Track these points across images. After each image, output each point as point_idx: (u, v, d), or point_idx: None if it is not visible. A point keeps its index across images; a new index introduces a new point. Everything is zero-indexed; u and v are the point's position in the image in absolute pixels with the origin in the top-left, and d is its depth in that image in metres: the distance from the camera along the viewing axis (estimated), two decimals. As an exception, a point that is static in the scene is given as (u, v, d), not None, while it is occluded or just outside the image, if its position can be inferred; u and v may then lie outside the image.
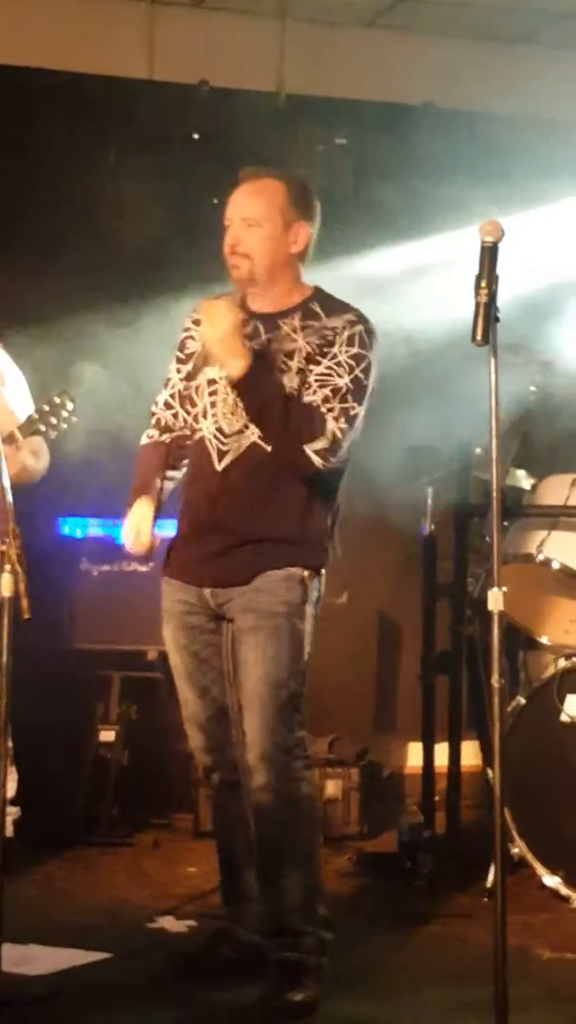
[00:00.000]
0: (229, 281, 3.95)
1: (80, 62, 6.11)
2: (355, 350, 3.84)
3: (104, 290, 5.83)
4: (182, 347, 4.06)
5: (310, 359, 3.83)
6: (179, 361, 4.06)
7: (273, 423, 3.77)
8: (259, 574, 3.83)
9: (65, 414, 4.82)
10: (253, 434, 3.84)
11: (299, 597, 3.85)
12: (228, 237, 3.91)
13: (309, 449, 3.74)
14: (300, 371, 3.83)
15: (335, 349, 3.83)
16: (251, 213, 3.88)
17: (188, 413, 4.00)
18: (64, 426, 4.83)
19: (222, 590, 3.89)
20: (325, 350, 3.83)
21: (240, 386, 3.76)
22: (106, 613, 5.58)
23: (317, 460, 3.75)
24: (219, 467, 3.87)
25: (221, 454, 3.88)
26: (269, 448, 3.81)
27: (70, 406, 4.82)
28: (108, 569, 5.65)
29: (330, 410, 3.77)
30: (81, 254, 5.96)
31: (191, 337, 4.04)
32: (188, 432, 4.02)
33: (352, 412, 3.80)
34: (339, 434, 3.76)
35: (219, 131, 6.13)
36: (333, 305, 3.93)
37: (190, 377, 3.99)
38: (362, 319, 3.90)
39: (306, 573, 3.86)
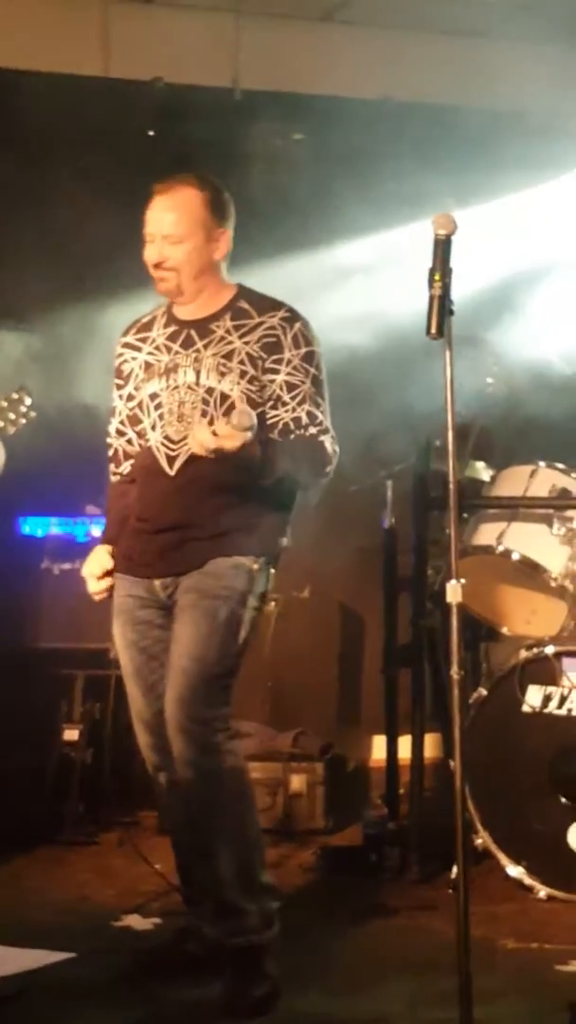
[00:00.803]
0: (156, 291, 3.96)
1: (34, 60, 6.10)
2: (304, 349, 3.90)
3: (59, 286, 5.82)
4: (119, 373, 4.09)
5: (254, 362, 3.88)
6: (119, 387, 4.09)
7: (298, 474, 3.87)
8: (210, 560, 3.86)
9: (23, 409, 4.81)
10: None
11: (244, 585, 3.87)
12: (151, 252, 3.93)
13: (323, 480, 3.91)
14: (243, 373, 3.88)
15: (285, 354, 3.88)
16: (172, 230, 3.91)
17: (137, 432, 4.02)
18: (22, 421, 4.82)
19: (172, 579, 3.90)
20: (273, 355, 3.87)
21: (252, 466, 3.77)
22: (68, 612, 5.56)
23: (325, 481, 3.91)
24: (172, 471, 3.90)
25: (171, 459, 3.91)
26: None
27: (28, 401, 4.81)
28: (69, 567, 5.63)
29: (320, 428, 3.88)
30: (36, 251, 5.94)
31: (125, 360, 4.07)
32: (131, 467, 4.07)
33: (325, 412, 3.92)
34: (336, 448, 3.91)
35: (175, 127, 6.13)
36: (262, 303, 3.97)
37: (131, 398, 4.02)
38: (295, 314, 3.95)
39: (255, 565, 3.89)
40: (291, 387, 3.88)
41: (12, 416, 4.80)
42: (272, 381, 3.87)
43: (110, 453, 4.14)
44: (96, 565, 4.05)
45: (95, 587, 4.05)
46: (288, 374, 3.88)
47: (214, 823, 3.83)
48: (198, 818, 3.85)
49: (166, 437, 3.91)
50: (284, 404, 3.88)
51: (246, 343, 3.89)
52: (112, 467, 4.15)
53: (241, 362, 3.88)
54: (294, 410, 3.87)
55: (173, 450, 3.90)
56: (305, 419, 3.87)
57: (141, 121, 6.22)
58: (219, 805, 3.82)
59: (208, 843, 3.84)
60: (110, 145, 6.06)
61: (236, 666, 3.87)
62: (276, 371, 3.88)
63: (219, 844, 3.82)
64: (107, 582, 4.02)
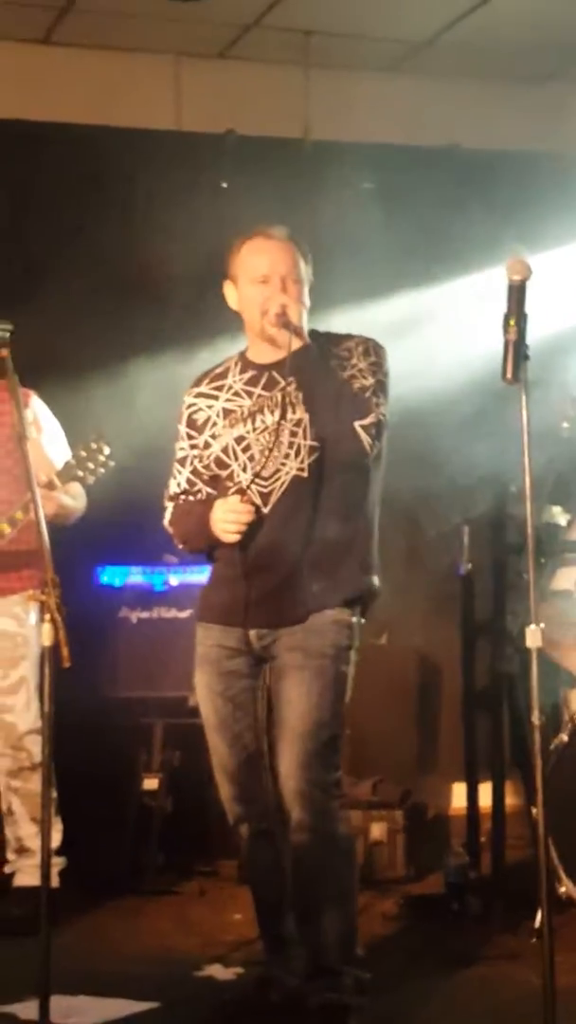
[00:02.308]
0: (251, 332, 3.99)
1: (108, 115, 6.20)
2: (372, 359, 3.94)
3: (136, 338, 5.88)
4: (191, 423, 4.10)
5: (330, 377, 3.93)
6: (191, 437, 4.10)
7: (331, 400, 3.86)
8: (310, 614, 3.87)
9: (102, 459, 4.86)
10: (292, 468, 3.90)
11: (346, 641, 3.90)
12: (270, 295, 3.93)
13: (358, 425, 3.83)
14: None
15: (353, 360, 3.93)
16: (292, 270, 3.96)
17: (214, 481, 4.04)
18: (101, 471, 4.86)
19: (269, 631, 3.91)
20: (344, 364, 3.92)
21: (299, 367, 3.85)
22: (146, 660, 5.60)
23: (365, 437, 3.84)
24: (266, 508, 3.91)
25: (265, 496, 3.92)
26: (306, 475, 3.89)
27: (107, 451, 4.86)
28: (147, 616, 5.67)
29: (368, 399, 3.87)
30: (113, 304, 6.03)
31: (199, 410, 4.09)
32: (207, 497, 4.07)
33: (385, 407, 3.91)
34: (382, 416, 3.88)
35: (247, 179, 6.19)
36: (337, 337, 4.03)
37: (207, 446, 4.05)
38: (367, 338, 4.02)
39: (353, 619, 3.92)
40: (351, 379, 3.88)
41: (91, 465, 4.84)
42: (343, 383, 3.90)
43: (177, 501, 4.12)
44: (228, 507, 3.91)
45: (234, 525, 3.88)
46: (350, 375, 3.89)
47: (323, 888, 3.86)
48: (308, 882, 3.87)
49: (256, 475, 3.93)
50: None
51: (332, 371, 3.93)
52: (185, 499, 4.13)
53: (346, 383, 3.90)
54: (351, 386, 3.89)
55: (266, 487, 3.91)
56: (356, 389, 3.87)
57: (213, 173, 6.29)
58: (330, 871, 3.86)
59: (315, 907, 3.86)
60: (184, 198, 6.13)
61: (343, 725, 3.90)
62: (345, 376, 3.91)
63: (325, 909, 3.85)
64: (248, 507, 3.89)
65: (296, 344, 3.87)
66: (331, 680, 3.85)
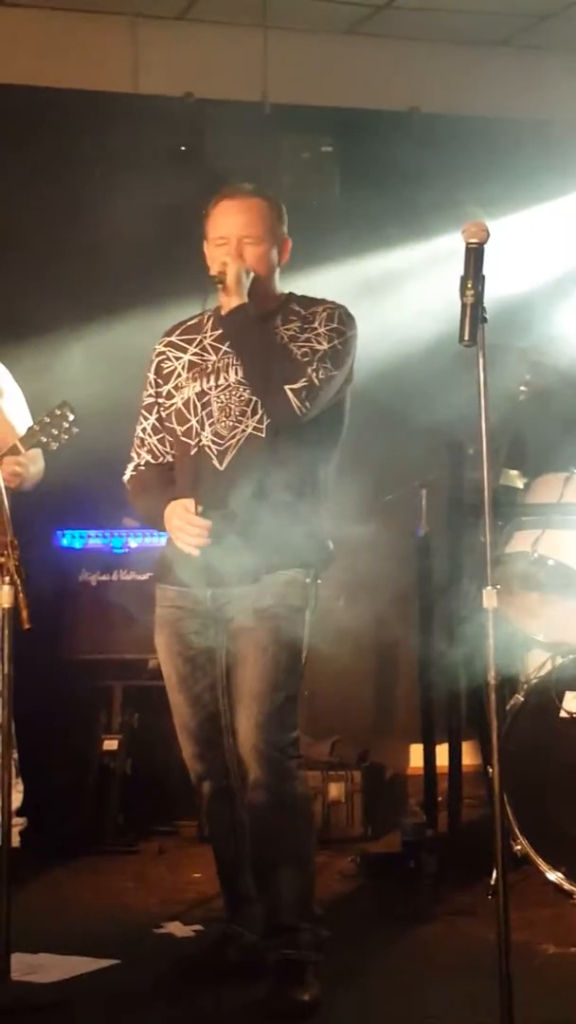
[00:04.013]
0: (216, 293, 4.01)
1: (65, 77, 6.15)
2: (334, 325, 3.97)
3: (95, 302, 5.87)
4: (158, 370, 4.13)
5: (292, 339, 3.96)
6: (157, 384, 4.13)
7: (259, 363, 3.89)
8: (264, 574, 3.90)
9: (66, 425, 4.85)
10: (249, 427, 3.94)
11: (300, 601, 3.93)
12: (224, 254, 3.96)
13: (288, 389, 3.84)
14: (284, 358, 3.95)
15: (314, 324, 3.97)
16: (251, 231, 3.98)
17: (175, 433, 4.06)
18: (65, 437, 4.86)
19: (224, 590, 3.93)
20: (305, 327, 3.96)
21: (230, 325, 3.90)
22: (106, 623, 5.61)
23: (295, 401, 3.85)
24: (221, 467, 3.93)
25: (221, 454, 3.95)
26: (263, 435, 3.92)
27: (71, 417, 4.85)
28: (106, 579, 5.68)
29: (309, 363, 3.89)
30: (71, 268, 6.00)
31: (166, 359, 4.12)
32: (172, 457, 4.09)
33: (330, 372, 3.91)
34: (316, 382, 3.87)
35: (205, 142, 6.17)
36: (309, 301, 4.07)
37: (170, 396, 4.07)
38: (338, 305, 4.04)
39: (308, 579, 3.95)
40: (304, 345, 3.92)
41: (55, 432, 4.84)
42: (299, 348, 3.93)
43: (142, 451, 4.15)
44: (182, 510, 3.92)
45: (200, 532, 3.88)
46: (307, 338, 3.93)
47: (280, 847, 3.91)
48: (265, 841, 3.92)
49: (215, 434, 3.96)
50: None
51: (288, 330, 3.97)
52: (148, 459, 4.14)
53: (283, 347, 3.94)
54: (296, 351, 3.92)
55: (222, 445, 3.94)
56: (299, 355, 3.89)
57: (172, 137, 6.27)
58: (287, 830, 3.91)
59: (273, 865, 3.91)
60: (142, 161, 6.11)
61: (301, 685, 3.94)
62: (298, 339, 3.94)
63: (282, 867, 3.90)
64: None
65: (233, 303, 3.91)
66: (285, 640, 3.89)
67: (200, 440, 3.98)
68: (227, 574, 3.92)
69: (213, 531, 3.87)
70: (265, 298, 4.01)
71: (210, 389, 4.00)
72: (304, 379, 3.86)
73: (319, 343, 3.93)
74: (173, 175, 6.02)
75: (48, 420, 4.85)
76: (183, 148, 6.25)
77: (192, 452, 4.00)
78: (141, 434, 4.16)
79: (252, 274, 3.96)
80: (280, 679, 3.87)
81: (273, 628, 3.88)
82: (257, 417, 3.94)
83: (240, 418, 3.95)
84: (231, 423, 3.95)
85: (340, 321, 3.99)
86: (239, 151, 6.02)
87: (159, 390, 4.12)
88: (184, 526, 3.88)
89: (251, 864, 3.98)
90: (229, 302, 3.94)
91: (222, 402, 3.97)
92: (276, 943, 3.89)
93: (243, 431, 3.94)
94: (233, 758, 3.99)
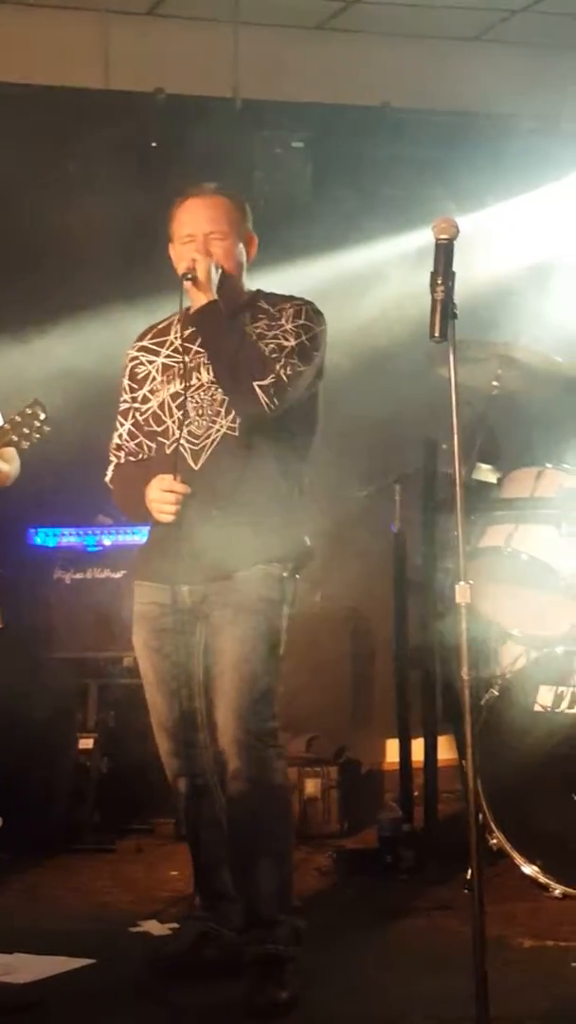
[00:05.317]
0: (185, 291, 4.01)
1: (34, 73, 6.13)
2: (301, 321, 3.99)
3: (66, 300, 5.85)
4: (132, 375, 4.15)
5: (260, 337, 3.97)
6: (132, 390, 4.14)
7: (227, 358, 3.91)
8: (239, 569, 3.91)
9: (38, 424, 4.83)
10: (223, 426, 3.95)
11: (276, 595, 3.95)
12: (192, 250, 3.97)
13: (256, 385, 3.86)
14: None
15: (282, 321, 3.98)
16: (217, 227, 4.00)
17: (153, 435, 4.07)
18: (36, 436, 4.84)
19: (200, 586, 3.94)
20: (273, 324, 3.98)
21: (200, 323, 3.92)
22: (80, 621, 5.60)
23: (263, 397, 3.86)
24: (196, 466, 3.95)
25: (196, 454, 3.97)
26: (237, 433, 3.94)
27: (43, 416, 4.83)
28: (81, 577, 5.67)
29: (277, 360, 3.91)
30: (42, 265, 5.98)
31: (140, 364, 4.14)
32: (147, 458, 4.10)
33: (297, 368, 3.93)
34: (284, 378, 3.89)
35: (177, 138, 6.16)
36: (277, 298, 4.08)
37: (146, 400, 4.08)
38: (306, 301, 4.07)
39: (285, 573, 3.97)
40: (272, 342, 3.94)
41: (26, 431, 4.81)
42: (267, 345, 3.94)
43: (120, 455, 4.16)
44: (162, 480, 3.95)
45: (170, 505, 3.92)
46: (274, 335, 3.95)
47: (259, 837, 3.92)
48: (243, 831, 3.93)
49: (190, 434, 3.98)
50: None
51: (256, 327, 3.99)
52: (129, 459, 4.15)
53: (252, 344, 3.94)
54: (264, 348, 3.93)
55: (196, 444, 3.96)
56: (267, 352, 3.91)
57: (143, 133, 6.25)
58: (266, 820, 3.92)
59: (251, 856, 3.92)
60: (112, 157, 6.08)
61: (279, 677, 3.96)
62: (266, 336, 3.96)
63: (260, 858, 3.91)
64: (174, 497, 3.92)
65: (201, 300, 3.92)
66: (262, 632, 3.91)
67: (175, 441, 3.99)
68: (204, 570, 3.92)
69: (191, 529, 3.87)
70: (233, 295, 4.02)
71: (184, 390, 4.01)
72: (272, 375, 3.87)
73: (287, 339, 3.94)
74: (144, 171, 6.01)
75: (19, 419, 4.83)
76: (154, 144, 6.23)
77: (168, 453, 4.01)
78: (118, 439, 4.18)
79: (220, 270, 3.96)
80: (258, 670, 3.89)
81: (249, 621, 3.90)
82: (231, 416, 3.96)
83: (214, 418, 3.97)
84: (206, 423, 3.97)
85: (307, 317, 4.00)
86: (210, 147, 6.01)
87: (134, 395, 4.14)
88: (163, 495, 3.90)
89: (230, 855, 3.98)
90: (199, 298, 3.95)
91: (196, 402, 3.99)
92: (254, 936, 3.89)
93: (217, 431, 3.96)
94: (209, 755, 4.00)
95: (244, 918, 3.94)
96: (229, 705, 3.88)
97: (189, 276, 3.94)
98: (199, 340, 4.01)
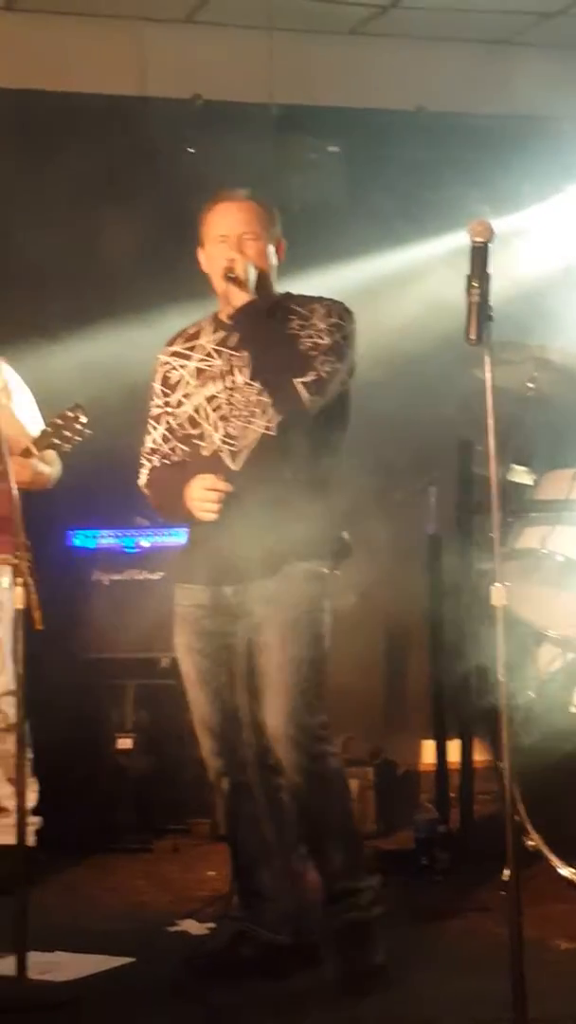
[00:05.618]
0: (218, 293, 4.04)
1: (72, 81, 6.18)
2: (334, 320, 4.03)
3: (104, 304, 5.90)
4: (165, 380, 4.18)
5: (294, 337, 4.01)
6: (165, 394, 4.17)
7: (269, 357, 3.96)
8: (281, 567, 3.95)
9: (78, 427, 4.88)
10: (260, 427, 3.99)
11: (319, 590, 4.00)
12: (226, 251, 4.01)
13: (298, 382, 3.90)
14: None
15: (314, 321, 4.03)
16: (249, 228, 4.05)
17: (189, 439, 4.10)
18: (77, 439, 4.89)
19: (243, 586, 3.98)
20: (305, 324, 4.02)
21: (242, 321, 3.96)
22: (119, 622, 5.64)
23: (304, 393, 3.91)
24: (236, 466, 3.99)
25: (234, 455, 4.01)
26: (275, 433, 3.97)
27: (83, 419, 4.89)
28: (119, 578, 5.72)
29: (315, 358, 3.96)
30: (80, 270, 6.02)
31: (172, 369, 4.17)
32: (181, 461, 4.14)
33: (335, 365, 3.98)
34: (323, 375, 3.94)
35: (213, 144, 6.19)
36: (306, 299, 4.12)
37: (180, 404, 4.12)
38: (336, 301, 4.11)
39: (325, 569, 4.01)
40: (305, 340, 3.98)
41: (67, 433, 4.86)
42: (302, 344, 3.99)
43: (153, 457, 4.19)
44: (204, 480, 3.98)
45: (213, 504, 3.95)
46: (307, 335, 4.00)
47: (323, 820, 4.01)
48: (310, 820, 4.01)
49: (227, 435, 4.01)
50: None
51: (289, 329, 4.02)
52: (164, 462, 4.18)
53: (290, 342, 3.99)
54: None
55: (235, 445, 4.00)
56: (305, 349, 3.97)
57: (179, 139, 6.29)
58: (328, 804, 4.01)
59: (319, 839, 4.01)
60: (150, 163, 6.13)
61: (326, 671, 4.02)
62: (303, 335, 4.00)
63: (329, 840, 4.00)
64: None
65: (243, 299, 3.95)
66: (307, 627, 3.95)
67: (213, 443, 4.03)
68: (246, 570, 3.96)
69: (232, 529, 3.90)
70: (265, 296, 4.05)
71: (219, 392, 4.05)
72: (312, 372, 3.92)
73: (321, 338, 3.99)
74: (181, 177, 6.05)
75: (61, 422, 4.88)
76: (191, 150, 6.26)
77: (205, 455, 4.05)
78: (152, 444, 4.20)
79: (257, 270, 4.00)
80: (304, 666, 3.94)
81: (294, 617, 3.94)
82: (268, 416, 3.99)
83: (251, 419, 4.00)
84: (242, 424, 4.00)
85: (339, 316, 4.05)
86: (246, 152, 6.04)
87: (167, 400, 4.16)
88: (206, 493, 3.93)
89: (303, 840, 4.05)
90: (238, 297, 3.98)
91: (232, 404, 4.03)
92: (337, 909, 3.97)
93: (255, 431, 3.99)
94: (252, 753, 4.03)
95: (325, 895, 4.01)
96: (279, 705, 3.92)
97: (231, 275, 3.98)
98: (233, 342, 4.05)
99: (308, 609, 3.97)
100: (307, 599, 3.97)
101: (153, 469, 4.20)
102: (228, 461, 4.00)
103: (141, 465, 4.22)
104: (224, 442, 4.01)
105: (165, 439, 4.17)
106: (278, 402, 3.95)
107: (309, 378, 3.91)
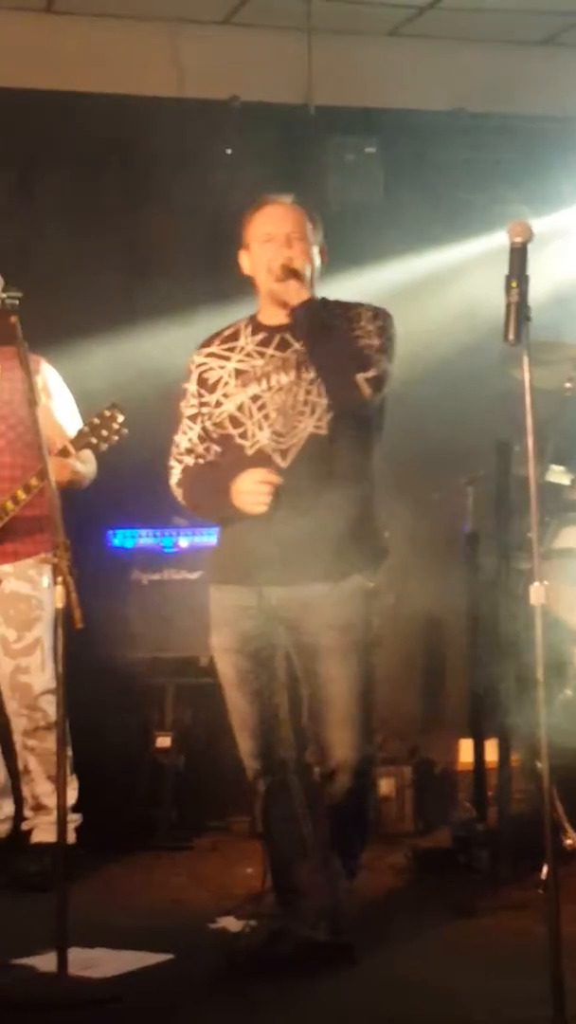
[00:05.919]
0: (262, 294, 4.07)
1: (109, 83, 6.20)
2: (380, 323, 4.10)
3: (146, 303, 5.93)
4: (202, 381, 4.20)
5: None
6: (201, 395, 4.19)
7: (333, 351, 3.99)
8: (330, 578, 3.98)
9: (116, 427, 4.92)
10: (309, 426, 4.02)
11: (366, 608, 4.07)
12: (274, 252, 4.05)
13: (362, 377, 3.96)
14: None
15: (361, 323, 4.08)
16: (296, 229, 4.10)
17: (229, 438, 4.12)
18: (115, 439, 4.92)
19: (282, 588, 4.00)
20: (352, 327, 4.06)
21: (304, 317, 4.00)
22: (157, 621, 5.67)
23: (367, 388, 3.97)
24: (285, 464, 4.01)
25: (283, 452, 4.04)
26: (325, 432, 4.01)
27: (120, 419, 4.92)
28: (158, 578, 5.74)
29: (371, 355, 4.02)
30: (120, 271, 6.06)
31: (210, 369, 4.19)
32: (215, 460, 4.18)
33: (388, 364, 4.06)
34: (383, 372, 4.01)
35: (251, 145, 6.21)
36: (345, 305, 4.17)
37: (219, 404, 4.14)
38: (377, 306, 4.16)
39: (371, 584, 4.06)
40: (357, 338, 4.03)
41: (105, 433, 4.90)
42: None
43: (187, 457, 4.22)
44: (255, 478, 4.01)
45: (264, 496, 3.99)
46: (357, 335, 4.04)
47: (359, 818, 4.18)
48: (349, 818, 4.13)
49: (275, 433, 4.04)
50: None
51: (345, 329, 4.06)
52: (196, 461, 4.21)
53: (350, 338, 4.04)
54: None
55: (283, 444, 4.02)
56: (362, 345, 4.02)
57: (217, 140, 6.31)
58: (361, 808, 4.20)
59: (351, 829, 4.15)
60: (188, 165, 6.15)
61: (376, 691, 4.14)
62: (352, 336, 4.05)
63: (356, 832, 4.19)
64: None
65: (303, 295, 3.99)
66: (363, 652, 4.04)
67: (257, 441, 4.05)
68: (292, 573, 3.98)
69: (278, 528, 3.94)
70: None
71: (263, 392, 4.08)
72: (374, 368, 3.97)
73: (372, 339, 4.04)
74: (219, 178, 6.07)
75: (98, 421, 4.91)
76: (228, 151, 6.29)
77: (248, 453, 4.06)
78: (187, 443, 4.23)
79: (309, 267, 4.07)
80: (363, 695, 4.04)
81: (352, 643, 4.02)
82: (316, 415, 4.02)
83: (299, 418, 4.03)
84: (290, 423, 4.03)
85: (384, 319, 4.11)
86: (284, 153, 6.06)
87: (203, 400, 4.19)
88: (257, 486, 3.96)
89: (335, 841, 4.11)
90: (300, 292, 4.02)
91: (278, 404, 4.05)
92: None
93: (304, 429, 4.02)
94: (291, 754, 4.07)
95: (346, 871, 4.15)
96: (343, 735, 4.02)
97: (291, 269, 4.02)
98: (273, 344, 4.07)
99: (363, 632, 4.05)
100: (362, 620, 4.04)
101: (186, 469, 4.22)
102: (277, 459, 4.03)
103: (172, 466, 4.25)
104: (272, 440, 4.04)
105: (201, 439, 4.20)
106: (339, 396, 3.99)
107: (371, 374, 3.97)
